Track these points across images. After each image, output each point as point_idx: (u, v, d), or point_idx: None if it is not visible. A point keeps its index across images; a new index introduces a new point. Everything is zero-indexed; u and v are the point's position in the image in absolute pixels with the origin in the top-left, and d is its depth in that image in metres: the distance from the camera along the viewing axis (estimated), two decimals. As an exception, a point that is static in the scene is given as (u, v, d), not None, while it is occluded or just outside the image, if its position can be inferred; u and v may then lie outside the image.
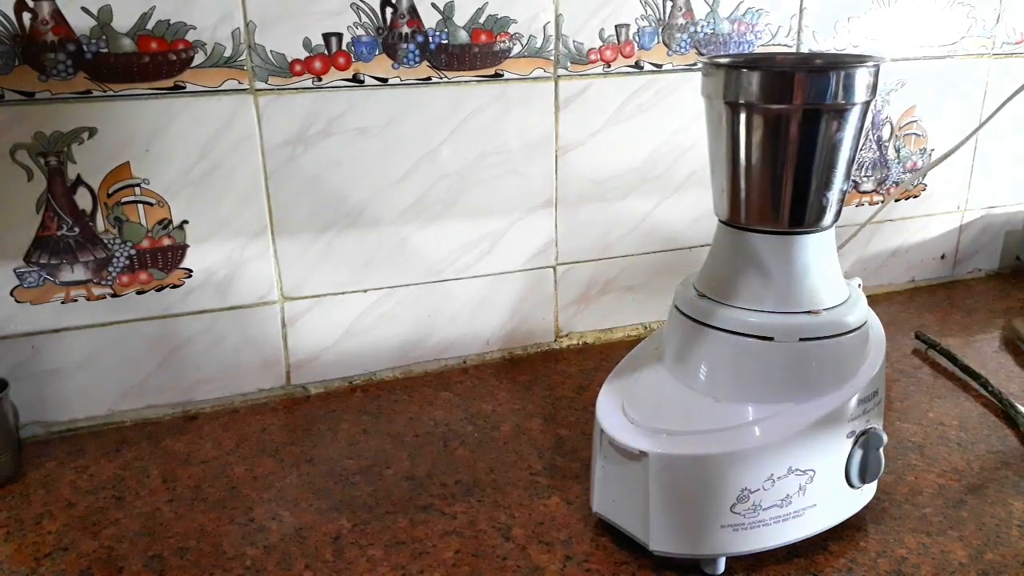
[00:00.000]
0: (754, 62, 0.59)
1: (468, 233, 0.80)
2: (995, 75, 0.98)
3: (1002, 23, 0.96)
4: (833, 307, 0.53)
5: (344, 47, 0.71)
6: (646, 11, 0.80)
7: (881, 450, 0.54)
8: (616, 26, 0.79)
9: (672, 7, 0.81)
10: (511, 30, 0.75)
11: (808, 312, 0.52)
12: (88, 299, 0.70)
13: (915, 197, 1.01)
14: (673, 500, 0.50)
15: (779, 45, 0.87)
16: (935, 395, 0.76)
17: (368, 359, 0.81)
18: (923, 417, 0.72)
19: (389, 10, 0.71)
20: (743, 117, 0.51)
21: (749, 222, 0.53)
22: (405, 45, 0.72)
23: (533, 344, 0.87)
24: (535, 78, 0.78)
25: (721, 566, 0.52)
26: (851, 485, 0.54)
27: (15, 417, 0.67)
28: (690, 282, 0.58)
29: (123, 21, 0.64)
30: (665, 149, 0.85)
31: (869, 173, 0.97)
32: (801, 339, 0.51)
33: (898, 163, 0.98)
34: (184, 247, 0.71)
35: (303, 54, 0.70)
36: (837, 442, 0.52)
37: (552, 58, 0.78)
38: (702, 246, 0.89)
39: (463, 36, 0.74)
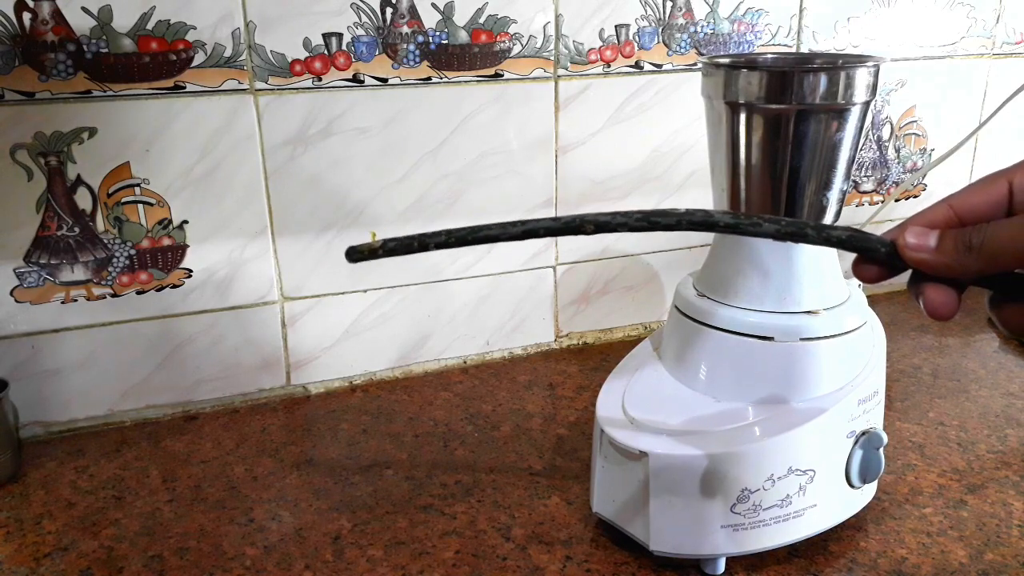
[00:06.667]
0: (754, 62, 0.59)
1: (468, 233, 0.80)
2: (995, 75, 0.98)
3: (1002, 23, 0.96)
4: (833, 307, 0.53)
5: (344, 47, 0.71)
6: (646, 11, 0.80)
7: (881, 450, 0.54)
8: (616, 26, 0.79)
9: (672, 7, 0.81)
10: (511, 30, 0.75)
11: (808, 312, 0.52)
12: (88, 299, 0.70)
13: (915, 197, 1.01)
14: (673, 500, 0.50)
15: (779, 45, 0.87)
16: (935, 395, 0.76)
17: (368, 359, 0.81)
18: (923, 417, 0.72)
19: (389, 10, 0.71)
20: (743, 117, 0.51)
21: (749, 222, 0.53)
22: (405, 45, 0.72)
23: (533, 344, 0.87)
24: (535, 78, 0.78)
25: (721, 566, 0.52)
26: (851, 485, 0.54)
27: (15, 417, 0.67)
28: (690, 282, 0.58)
29: (123, 21, 0.64)
30: (665, 149, 0.85)
31: (869, 173, 0.97)
32: (801, 339, 0.51)
33: (898, 163, 0.98)
34: (184, 247, 0.71)
35: (303, 54, 0.70)
36: (837, 442, 0.52)
37: (552, 58, 0.78)
38: (702, 246, 0.89)
39: (463, 36, 0.74)
